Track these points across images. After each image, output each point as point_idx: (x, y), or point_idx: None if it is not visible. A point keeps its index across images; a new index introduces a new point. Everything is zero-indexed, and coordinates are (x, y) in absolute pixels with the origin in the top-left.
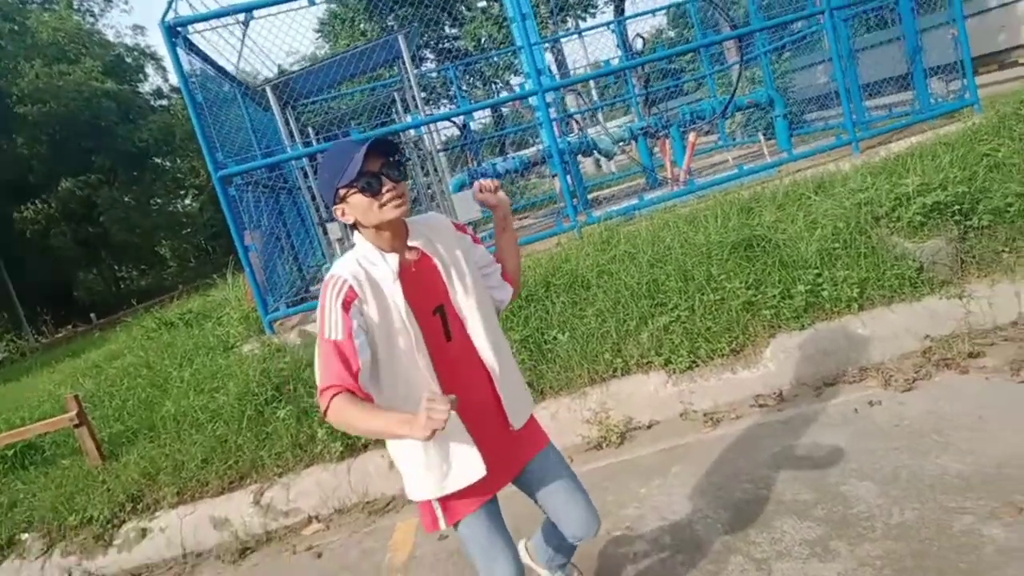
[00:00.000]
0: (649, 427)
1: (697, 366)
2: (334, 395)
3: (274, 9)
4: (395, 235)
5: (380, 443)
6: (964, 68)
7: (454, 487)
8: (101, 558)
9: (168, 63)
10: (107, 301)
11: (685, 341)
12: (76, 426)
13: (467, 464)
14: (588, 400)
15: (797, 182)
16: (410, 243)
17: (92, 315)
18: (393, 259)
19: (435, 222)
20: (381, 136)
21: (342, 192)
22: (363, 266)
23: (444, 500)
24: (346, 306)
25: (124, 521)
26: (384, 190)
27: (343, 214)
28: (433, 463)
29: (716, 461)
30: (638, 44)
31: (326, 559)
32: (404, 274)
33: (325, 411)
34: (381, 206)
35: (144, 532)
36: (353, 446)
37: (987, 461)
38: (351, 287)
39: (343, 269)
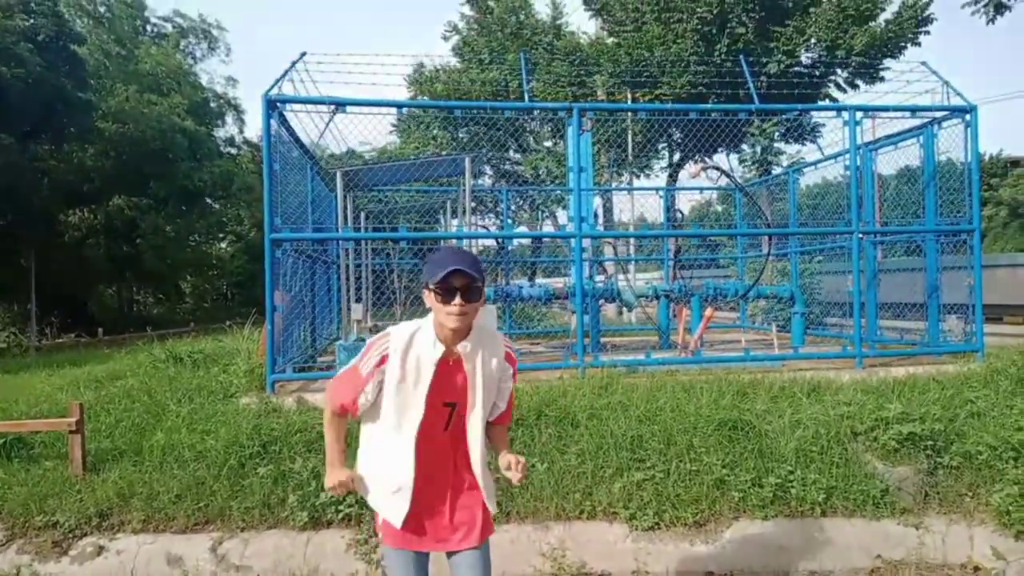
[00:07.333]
0: None
1: (659, 528)
2: (333, 407)
3: (365, 109)
4: (454, 335)
5: (343, 523)
6: (974, 314)
7: (386, 516)
8: (53, 564)
9: (247, 118)
10: (115, 319)
11: (654, 501)
12: (72, 432)
13: (396, 510)
14: (549, 534)
15: (795, 380)
16: (460, 346)
17: (100, 330)
18: (440, 350)
19: (492, 339)
20: (470, 265)
21: (430, 285)
22: (415, 339)
23: (385, 521)
24: (380, 362)
25: (86, 534)
26: (453, 303)
27: (426, 297)
28: (382, 493)
29: None
30: (677, 217)
31: None
32: (442, 365)
33: (326, 395)
34: (447, 314)
35: (100, 550)
36: (318, 520)
37: None
38: (388, 354)
39: (398, 334)
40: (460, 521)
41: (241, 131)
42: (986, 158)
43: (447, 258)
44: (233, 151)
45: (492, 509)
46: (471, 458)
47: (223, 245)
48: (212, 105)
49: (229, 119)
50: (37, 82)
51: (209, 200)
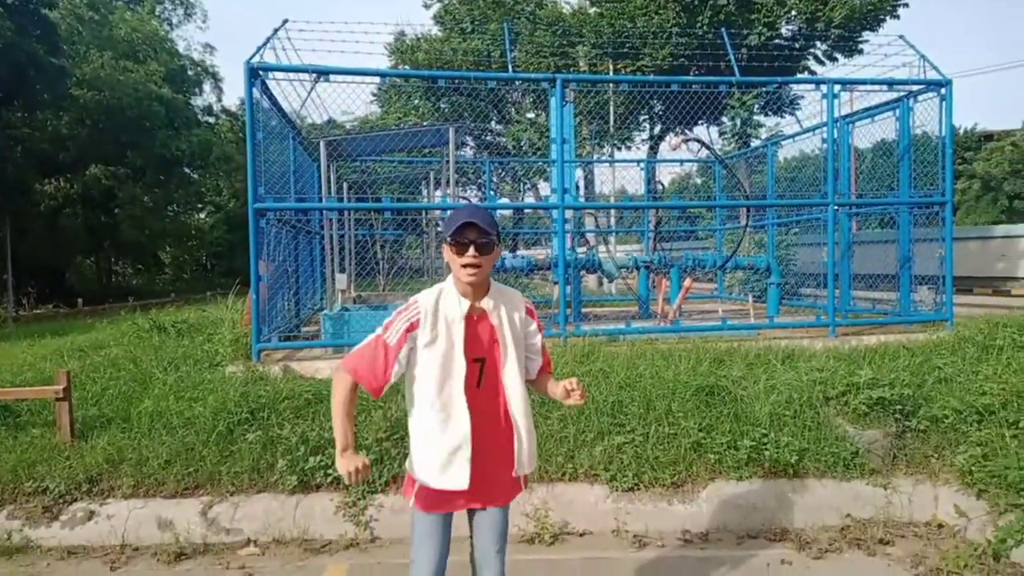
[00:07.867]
0: (582, 535)
1: (638, 489)
2: (349, 377)
3: (348, 78)
4: (474, 290)
5: (332, 487)
6: (945, 285)
7: (437, 485)
8: (44, 529)
9: (225, 86)
10: (94, 290)
11: (633, 464)
12: (59, 399)
13: (456, 477)
14: (533, 496)
15: (770, 348)
16: (483, 302)
17: (80, 300)
18: (466, 304)
19: (512, 295)
20: (482, 219)
21: (447, 239)
22: (440, 299)
23: (423, 488)
24: (409, 328)
25: (76, 500)
26: (467, 254)
27: (445, 253)
28: (438, 461)
29: None
30: (658, 189)
31: None
32: (469, 320)
33: (337, 372)
34: (462, 266)
35: (91, 514)
36: (307, 484)
37: None
38: (419, 319)
39: (424, 298)
40: (492, 480)
41: (219, 99)
42: (960, 132)
43: (462, 213)
44: (211, 120)
45: (533, 465)
46: (512, 412)
47: (202, 215)
48: (189, 73)
49: (207, 87)
50: (8, 47)
51: (187, 170)
